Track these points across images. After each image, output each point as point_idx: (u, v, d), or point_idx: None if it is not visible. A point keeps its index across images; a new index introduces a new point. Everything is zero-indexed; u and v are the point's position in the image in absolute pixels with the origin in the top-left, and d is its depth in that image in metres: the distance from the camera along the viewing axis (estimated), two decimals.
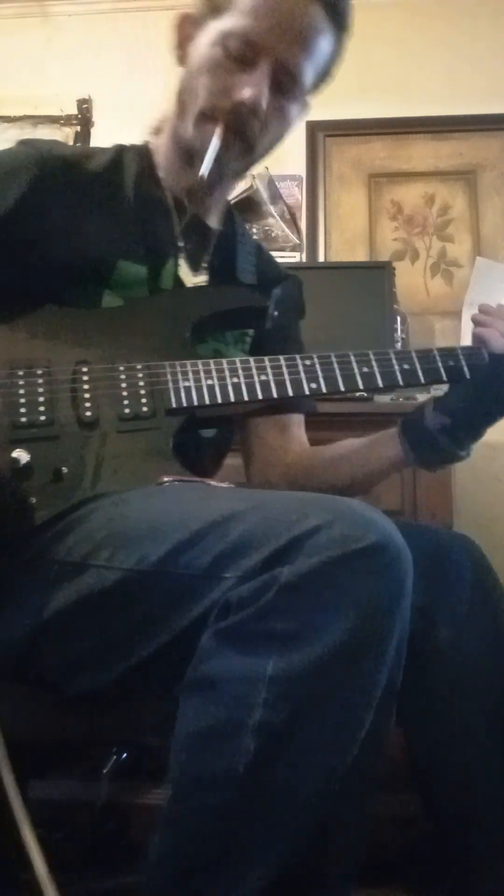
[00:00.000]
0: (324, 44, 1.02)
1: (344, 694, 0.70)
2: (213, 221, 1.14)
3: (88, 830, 1.45)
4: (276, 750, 0.68)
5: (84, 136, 2.44)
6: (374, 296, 2.06)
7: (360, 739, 0.70)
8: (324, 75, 1.07)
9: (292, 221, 2.33)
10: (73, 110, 2.45)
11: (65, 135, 2.44)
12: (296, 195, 2.35)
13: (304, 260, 2.31)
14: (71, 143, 2.41)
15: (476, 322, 1.04)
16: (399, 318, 2.08)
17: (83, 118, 2.44)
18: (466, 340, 2.33)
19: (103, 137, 2.39)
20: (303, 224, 2.35)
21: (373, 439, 1.13)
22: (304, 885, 0.70)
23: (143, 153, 1.12)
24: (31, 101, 2.44)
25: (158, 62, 2.40)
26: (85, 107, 2.45)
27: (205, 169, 1.00)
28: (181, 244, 1.08)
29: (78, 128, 2.44)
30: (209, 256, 1.12)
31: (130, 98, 2.41)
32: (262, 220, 2.15)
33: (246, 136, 1.02)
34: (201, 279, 1.09)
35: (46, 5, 2.49)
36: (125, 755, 1.48)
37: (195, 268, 1.10)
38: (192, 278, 1.09)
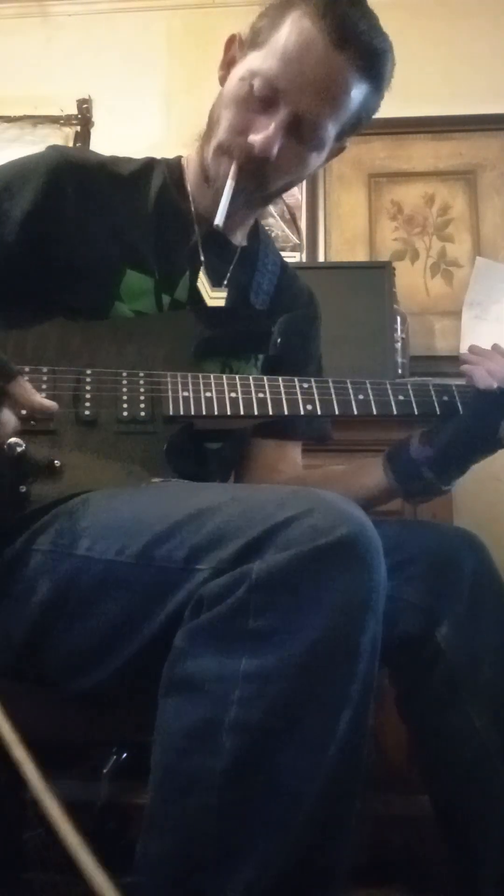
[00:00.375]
0: (353, 98, 1.00)
1: (319, 690, 0.69)
2: (238, 238, 1.14)
3: (88, 830, 1.45)
4: (254, 748, 0.68)
5: (84, 136, 2.44)
6: (374, 296, 2.06)
7: (339, 734, 0.70)
8: (353, 126, 1.05)
9: (292, 221, 2.33)
10: (73, 110, 2.45)
11: (65, 135, 2.44)
12: (296, 195, 2.35)
13: (304, 260, 2.31)
14: (71, 143, 2.41)
15: (464, 360, 1.05)
16: (399, 318, 2.08)
17: (83, 118, 2.44)
18: (466, 340, 2.34)
19: (103, 137, 2.39)
20: (303, 224, 2.35)
21: (359, 466, 1.14)
22: (296, 882, 0.69)
23: (172, 166, 1.12)
24: (31, 101, 2.44)
25: (158, 62, 2.42)
26: (85, 107, 2.45)
27: (219, 219, 1.00)
28: (202, 258, 1.09)
29: (78, 128, 2.44)
30: (230, 273, 1.12)
31: (130, 98, 2.41)
32: (263, 220, 2.16)
33: (258, 177, 1.02)
34: (220, 294, 1.09)
35: (46, 5, 2.49)
36: (125, 755, 1.49)
37: (217, 282, 1.10)
38: (211, 293, 1.09)
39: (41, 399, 0.84)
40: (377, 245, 2.35)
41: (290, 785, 0.68)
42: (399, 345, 2.06)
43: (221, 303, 1.09)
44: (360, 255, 2.34)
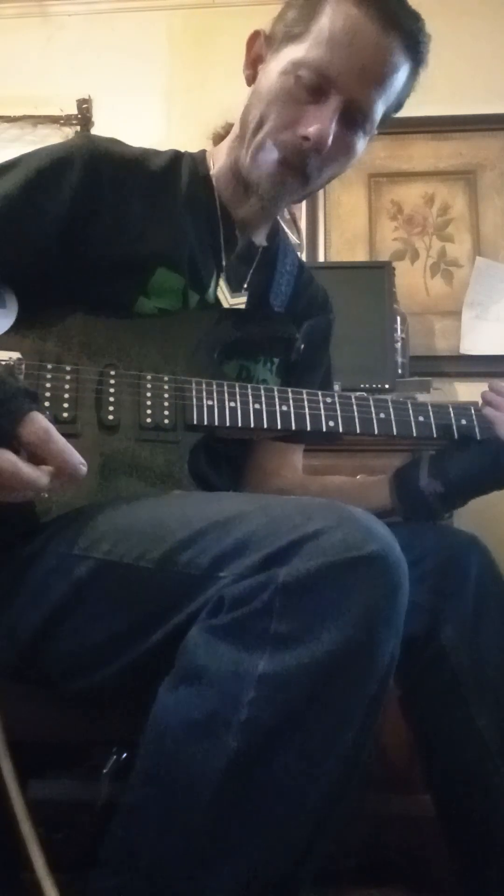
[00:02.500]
0: (399, 79, 1.00)
1: (332, 699, 0.69)
2: (259, 238, 1.13)
3: (88, 830, 1.44)
4: (258, 750, 0.68)
5: None
6: (374, 296, 2.06)
7: (343, 746, 0.70)
8: (396, 108, 1.04)
9: (292, 221, 2.33)
10: (73, 110, 2.45)
11: (64, 135, 2.43)
12: None
13: (304, 260, 2.31)
14: None
15: (486, 401, 1.04)
16: (399, 318, 2.08)
17: (83, 118, 2.44)
18: (466, 340, 2.34)
19: None
20: (303, 224, 2.35)
21: (364, 484, 1.14)
22: (279, 881, 0.70)
23: (198, 161, 1.10)
24: (31, 101, 2.44)
25: (159, 62, 2.42)
26: (85, 107, 2.45)
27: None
28: (224, 263, 1.07)
29: (78, 128, 2.44)
30: (251, 275, 1.11)
31: (131, 98, 2.41)
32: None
33: (304, 171, 1.00)
34: (240, 300, 1.08)
35: (46, 5, 2.49)
36: (125, 755, 1.48)
37: (236, 288, 1.09)
38: (231, 299, 1.07)
39: (75, 460, 0.75)
40: (377, 245, 2.35)
41: (287, 791, 0.68)
42: (399, 345, 2.06)
43: (241, 308, 1.08)
44: (360, 255, 2.34)
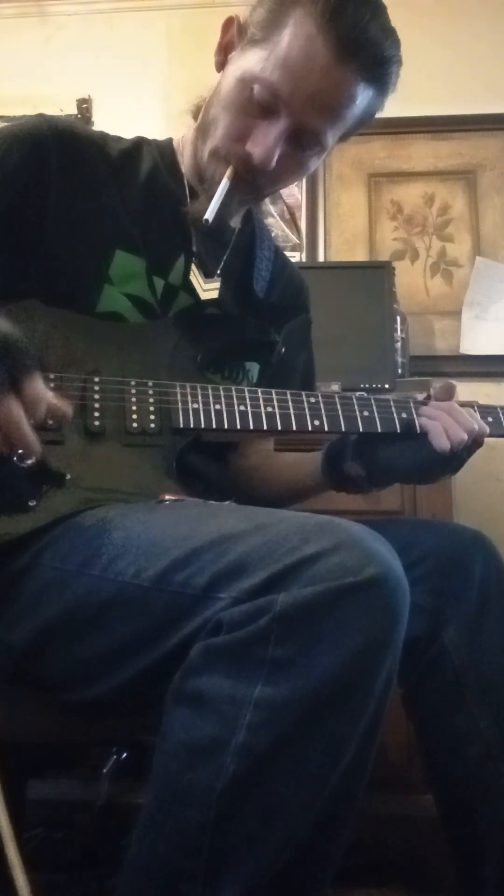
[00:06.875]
0: (357, 105, 0.96)
1: (327, 725, 0.69)
2: (234, 220, 1.12)
3: (88, 830, 1.45)
4: (255, 774, 0.68)
5: None
6: (374, 296, 2.06)
7: (341, 769, 0.70)
8: (354, 130, 1.03)
9: (292, 221, 2.33)
10: (73, 110, 2.45)
11: None
12: (296, 195, 2.35)
13: (304, 260, 2.31)
14: None
15: (423, 413, 1.02)
16: (399, 318, 2.08)
17: (83, 118, 2.44)
18: (466, 340, 2.34)
19: None
20: (303, 224, 2.35)
21: (305, 460, 1.15)
22: None
23: (163, 148, 1.10)
24: (30, 101, 2.43)
25: (158, 62, 2.42)
26: (84, 107, 2.45)
27: (210, 214, 0.97)
28: (194, 248, 1.06)
29: None
30: (225, 259, 1.10)
31: (130, 98, 2.41)
32: (262, 219, 2.15)
33: (253, 183, 1.00)
34: (213, 286, 1.07)
35: (45, 5, 2.49)
36: (125, 755, 1.48)
37: (209, 272, 1.07)
38: (204, 284, 1.06)
39: (56, 400, 0.79)
40: (377, 245, 2.35)
41: (286, 814, 0.68)
42: (399, 345, 2.06)
43: (214, 294, 1.06)
44: (360, 255, 2.34)
